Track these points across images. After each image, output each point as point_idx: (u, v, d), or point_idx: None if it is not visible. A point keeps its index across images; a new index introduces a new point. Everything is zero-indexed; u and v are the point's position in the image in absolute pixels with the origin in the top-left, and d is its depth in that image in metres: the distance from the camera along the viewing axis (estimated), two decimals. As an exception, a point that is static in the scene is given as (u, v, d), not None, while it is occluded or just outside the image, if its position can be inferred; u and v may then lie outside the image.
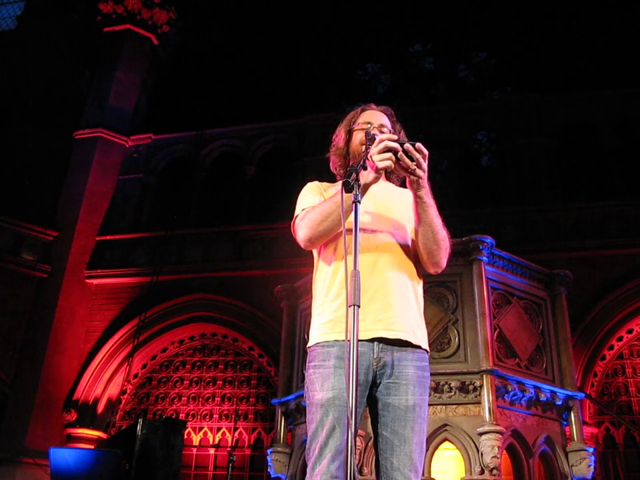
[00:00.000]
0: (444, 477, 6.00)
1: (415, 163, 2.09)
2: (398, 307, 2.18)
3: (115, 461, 4.49)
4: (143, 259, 10.20)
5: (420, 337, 2.23)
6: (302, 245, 2.27)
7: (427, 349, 2.26)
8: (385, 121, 2.49)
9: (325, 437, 2.07)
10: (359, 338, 1.93)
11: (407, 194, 2.37)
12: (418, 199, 2.19)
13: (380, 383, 2.15)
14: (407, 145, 2.08)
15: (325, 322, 2.21)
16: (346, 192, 1.95)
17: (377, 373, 2.15)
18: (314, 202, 2.33)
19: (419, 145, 2.08)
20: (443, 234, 2.26)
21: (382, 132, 2.41)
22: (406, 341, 2.17)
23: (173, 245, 10.13)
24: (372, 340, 2.14)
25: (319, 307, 2.28)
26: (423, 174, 2.12)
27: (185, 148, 11.33)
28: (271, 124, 11.05)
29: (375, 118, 2.48)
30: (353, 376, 1.79)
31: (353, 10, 11.82)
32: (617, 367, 8.44)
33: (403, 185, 2.49)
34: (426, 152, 2.10)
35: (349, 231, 1.96)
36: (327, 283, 2.27)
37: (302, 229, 2.25)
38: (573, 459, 5.62)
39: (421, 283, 2.34)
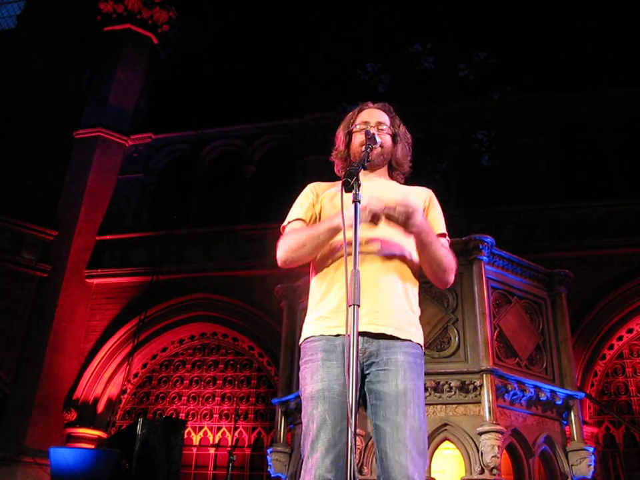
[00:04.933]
0: (444, 476, 6.00)
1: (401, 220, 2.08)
2: (385, 302, 2.16)
3: (115, 460, 4.48)
4: (143, 258, 10.19)
5: (412, 332, 2.19)
6: (278, 264, 2.29)
7: (420, 342, 2.22)
8: (383, 118, 2.47)
9: (317, 430, 2.04)
10: (343, 332, 2.01)
11: (410, 192, 2.37)
12: (416, 238, 2.20)
13: (369, 373, 2.13)
14: (386, 211, 2.07)
15: (315, 319, 2.23)
16: (346, 191, 1.96)
17: (364, 364, 2.13)
18: (300, 213, 2.36)
19: (399, 204, 2.06)
20: (447, 260, 2.24)
21: (380, 130, 2.41)
22: (390, 335, 2.13)
23: (173, 244, 10.13)
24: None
25: (310, 306, 2.30)
26: (415, 223, 2.08)
27: (185, 147, 11.33)
28: (271, 123, 11.04)
29: (372, 117, 2.46)
30: (353, 375, 1.79)
31: (353, 9, 11.82)
32: (617, 367, 8.43)
33: (407, 182, 2.50)
34: (411, 207, 2.07)
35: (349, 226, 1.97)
36: (319, 282, 2.28)
37: (280, 250, 2.27)
38: (573, 459, 5.62)
39: (417, 284, 2.32)
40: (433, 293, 5.69)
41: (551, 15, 10.87)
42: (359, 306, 1.85)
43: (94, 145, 11.04)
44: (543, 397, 5.64)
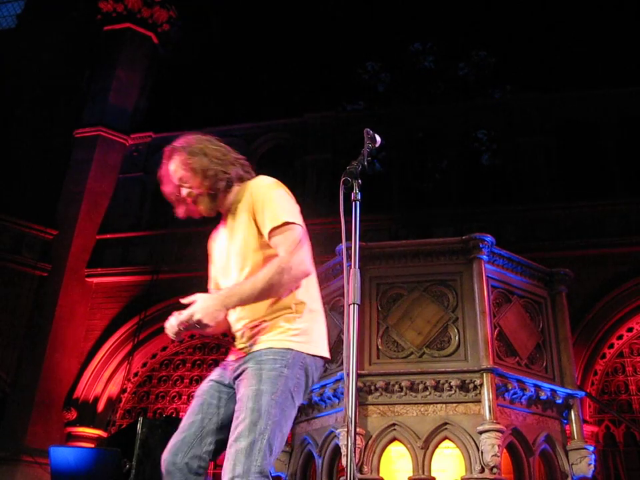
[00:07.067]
0: (444, 475, 6.00)
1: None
2: (242, 319, 2.31)
3: (115, 459, 4.48)
4: (143, 257, 10.19)
5: (261, 340, 2.19)
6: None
7: (279, 347, 2.13)
8: (176, 174, 2.43)
9: None
10: None
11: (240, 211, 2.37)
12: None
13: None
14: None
15: None
16: (345, 190, 2.02)
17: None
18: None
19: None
20: (267, 287, 2.13)
21: (183, 187, 2.45)
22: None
23: (173, 243, 10.12)
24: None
25: None
26: (214, 319, 2.25)
27: (185, 147, 11.30)
28: (271, 123, 11.03)
29: (165, 186, 2.54)
30: (352, 376, 1.81)
31: (353, 9, 11.82)
32: (617, 366, 8.44)
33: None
34: (174, 328, 2.29)
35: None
36: None
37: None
38: (573, 458, 5.62)
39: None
40: (433, 292, 5.70)
41: (550, 14, 10.87)
42: (358, 305, 1.88)
43: (94, 144, 11.04)
44: (543, 395, 5.64)
